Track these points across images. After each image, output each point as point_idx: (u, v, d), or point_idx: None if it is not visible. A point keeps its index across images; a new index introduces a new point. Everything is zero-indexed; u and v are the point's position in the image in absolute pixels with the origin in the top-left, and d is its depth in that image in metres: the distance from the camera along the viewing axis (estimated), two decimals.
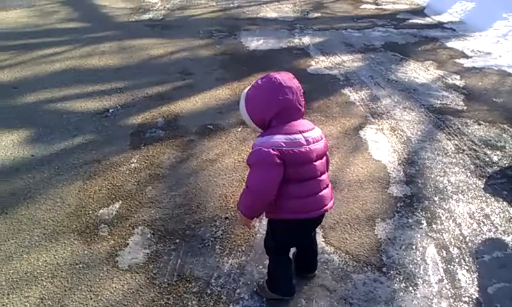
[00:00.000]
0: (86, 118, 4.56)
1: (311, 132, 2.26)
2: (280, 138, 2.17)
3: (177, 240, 2.95)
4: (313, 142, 2.24)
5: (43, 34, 7.44)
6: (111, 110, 4.71)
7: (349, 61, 6.23)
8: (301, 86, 2.29)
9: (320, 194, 2.28)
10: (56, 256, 2.82)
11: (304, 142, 2.20)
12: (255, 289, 2.59)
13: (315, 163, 2.25)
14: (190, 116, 4.63)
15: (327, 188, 2.33)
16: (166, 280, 2.65)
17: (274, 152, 2.13)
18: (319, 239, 2.94)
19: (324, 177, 2.32)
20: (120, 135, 4.23)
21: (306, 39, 7.20)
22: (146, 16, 8.48)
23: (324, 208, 2.30)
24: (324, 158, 2.34)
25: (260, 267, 2.74)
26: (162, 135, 4.22)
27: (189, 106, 4.84)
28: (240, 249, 2.88)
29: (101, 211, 3.22)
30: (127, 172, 3.67)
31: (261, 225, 3.04)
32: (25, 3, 9.28)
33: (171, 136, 4.21)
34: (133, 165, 3.76)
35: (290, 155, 2.15)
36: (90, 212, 3.21)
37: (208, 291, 2.58)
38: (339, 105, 4.87)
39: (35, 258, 2.80)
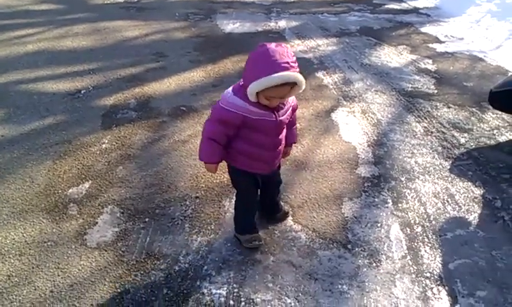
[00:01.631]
0: (57, 98, 4.52)
1: None
2: None
3: (147, 219, 2.97)
4: None
5: (15, 15, 7.31)
6: (82, 92, 4.67)
7: (324, 45, 6.27)
8: None
9: None
10: (24, 234, 2.82)
11: None
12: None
13: None
14: (163, 97, 4.62)
15: None
16: (134, 257, 2.67)
17: None
18: (287, 218, 2.99)
19: None
20: (91, 116, 4.21)
21: (282, 23, 7.21)
22: None
23: None
24: None
25: (229, 244, 2.78)
26: (134, 117, 4.21)
27: (162, 88, 4.83)
28: (209, 228, 2.91)
29: (70, 190, 3.22)
30: (98, 152, 3.66)
31: (231, 204, 3.08)
32: None
33: (143, 117, 4.21)
34: (104, 145, 3.75)
35: None
36: (59, 191, 3.21)
37: (176, 268, 2.61)
38: (312, 88, 4.91)
39: (3, 236, 2.80)
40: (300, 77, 2.28)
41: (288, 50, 2.29)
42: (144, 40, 6.29)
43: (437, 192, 3.29)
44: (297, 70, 2.28)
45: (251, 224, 2.79)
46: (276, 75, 2.20)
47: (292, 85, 2.30)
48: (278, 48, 2.26)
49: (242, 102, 2.35)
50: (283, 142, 2.60)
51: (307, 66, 5.47)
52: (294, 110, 2.63)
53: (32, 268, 2.58)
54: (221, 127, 2.42)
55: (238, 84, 2.40)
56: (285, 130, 2.58)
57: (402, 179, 3.42)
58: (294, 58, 2.29)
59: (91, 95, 4.61)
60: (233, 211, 2.89)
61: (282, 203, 3.03)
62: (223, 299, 2.42)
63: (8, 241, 2.76)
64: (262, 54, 2.25)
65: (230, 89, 2.43)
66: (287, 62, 2.22)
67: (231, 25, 7.01)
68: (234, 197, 2.87)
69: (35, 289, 2.46)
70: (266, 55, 2.23)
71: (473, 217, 3.07)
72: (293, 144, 2.84)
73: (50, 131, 3.94)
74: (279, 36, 6.55)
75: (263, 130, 2.43)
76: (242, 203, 2.78)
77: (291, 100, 2.56)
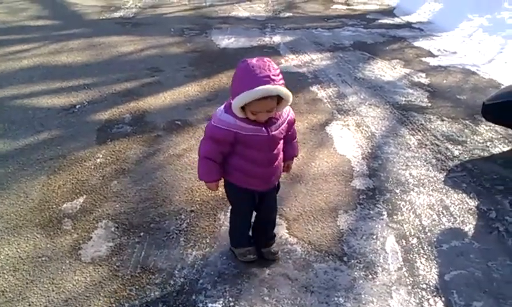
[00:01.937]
0: (52, 113, 4.52)
1: None
2: None
3: (141, 233, 2.96)
4: None
5: (11, 31, 7.35)
6: (77, 106, 4.68)
7: (318, 60, 6.32)
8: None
9: None
10: (18, 250, 2.80)
11: None
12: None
13: None
14: (158, 112, 4.63)
15: None
16: (129, 272, 2.65)
17: None
18: (283, 231, 2.99)
19: None
20: (86, 130, 4.21)
21: (277, 38, 7.27)
22: (117, 14, 8.44)
23: None
24: None
25: (224, 257, 2.77)
26: (129, 131, 4.22)
27: (157, 102, 4.84)
28: (204, 241, 2.91)
29: (65, 205, 3.20)
30: (92, 167, 3.66)
31: (226, 217, 3.08)
32: None
33: (138, 132, 4.21)
34: (99, 160, 3.75)
35: None
36: (54, 206, 3.19)
37: (172, 282, 2.59)
38: (307, 102, 4.93)
39: None
40: (283, 90, 2.28)
41: (271, 64, 2.29)
42: (139, 55, 6.32)
43: (432, 204, 3.30)
44: (281, 82, 2.28)
45: (245, 238, 2.78)
46: (256, 89, 2.20)
47: (277, 98, 2.30)
48: (259, 62, 2.27)
49: (233, 119, 2.35)
50: (280, 157, 2.58)
51: (301, 80, 5.50)
52: (290, 124, 2.59)
53: (27, 283, 2.56)
54: (215, 145, 2.42)
55: (228, 101, 2.41)
56: (280, 145, 2.56)
57: (397, 191, 3.43)
58: (277, 71, 2.29)
59: (86, 110, 4.62)
60: (228, 224, 2.88)
61: (275, 232, 2.88)
62: None
63: (1, 256, 2.74)
64: (244, 69, 2.27)
65: (222, 106, 2.44)
66: (268, 76, 2.23)
67: (226, 41, 7.06)
68: (229, 212, 2.86)
69: (29, 305, 2.43)
70: (247, 70, 2.25)
71: (468, 229, 3.07)
72: (294, 158, 2.79)
73: (45, 146, 3.94)
74: (273, 51, 6.59)
75: (255, 145, 2.42)
76: (236, 217, 2.77)
77: (286, 113, 2.53)
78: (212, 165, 2.46)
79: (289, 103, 2.38)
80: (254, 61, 2.28)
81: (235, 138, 2.39)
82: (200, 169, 2.51)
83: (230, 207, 2.81)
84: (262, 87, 2.21)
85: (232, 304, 2.46)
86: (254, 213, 2.77)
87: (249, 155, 2.45)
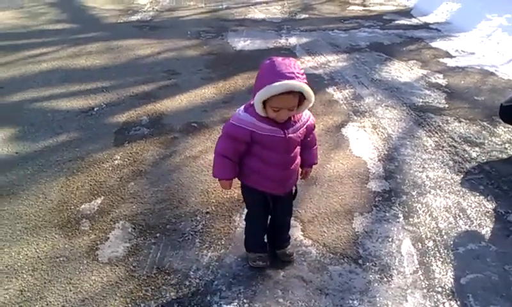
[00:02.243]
0: (71, 116, 4.59)
1: None
2: None
3: (157, 234, 2.99)
4: None
5: (30, 35, 7.46)
6: (95, 109, 4.74)
7: (334, 61, 6.30)
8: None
9: None
10: (37, 250, 2.85)
11: None
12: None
13: None
14: (175, 114, 4.67)
15: None
16: (145, 272, 2.68)
17: None
18: (297, 232, 2.99)
19: None
20: (104, 133, 4.26)
21: (292, 40, 7.27)
22: (135, 18, 8.52)
23: None
24: None
25: (239, 259, 2.79)
26: (146, 133, 4.26)
27: (174, 105, 4.88)
28: (219, 243, 2.92)
29: (83, 206, 3.25)
30: (110, 168, 3.70)
31: (241, 219, 3.09)
32: (13, 4, 9.30)
33: (155, 134, 4.25)
34: (116, 162, 3.80)
35: None
36: (72, 207, 3.24)
37: (187, 283, 2.62)
38: (323, 103, 4.93)
39: (16, 251, 2.83)
40: (306, 87, 2.28)
41: (296, 63, 2.31)
42: (156, 58, 6.37)
43: (448, 207, 3.27)
44: (304, 81, 2.29)
45: (257, 243, 2.78)
46: (279, 82, 2.21)
47: (299, 96, 2.31)
48: (284, 60, 2.29)
49: (251, 118, 2.38)
50: (297, 161, 2.57)
51: (317, 82, 5.50)
52: (309, 129, 2.57)
53: (45, 283, 2.61)
54: (232, 143, 2.44)
55: (249, 102, 2.43)
56: (298, 149, 2.54)
57: (414, 193, 3.41)
58: (302, 71, 2.31)
59: (104, 112, 4.68)
60: (243, 226, 2.90)
61: (290, 234, 2.89)
62: None
63: (20, 257, 2.79)
64: (269, 65, 2.29)
65: (242, 107, 2.47)
66: (292, 72, 2.25)
67: (242, 43, 7.08)
68: (245, 215, 2.87)
69: (47, 304, 2.48)
70: (272, 66, 2.27)
71: (485, 232, 3.04)
72: (313, 166, 2.75)
73: (64, 148, 4.00)
74: (289, 52, 6.59)
75: (271, 146, 2.43)
76: (251, 222, 2.78)
77: (305, 117, 2.52)
78: (227, 162, 2.48)
79: (311, 104, 2.37)
80: (280, 59, 2.31)
81: (251, 137, 2.40)
82: (214, 166, 2.54)
83: (246, 210, 2.82)
84: (286, 81, 2.22)
85: (246, 305, 2.48)
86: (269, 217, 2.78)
87: (266, 156, 2.46)
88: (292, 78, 2.24)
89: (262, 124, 2.38)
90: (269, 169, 2.49)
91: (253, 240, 2.78)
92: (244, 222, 2.84)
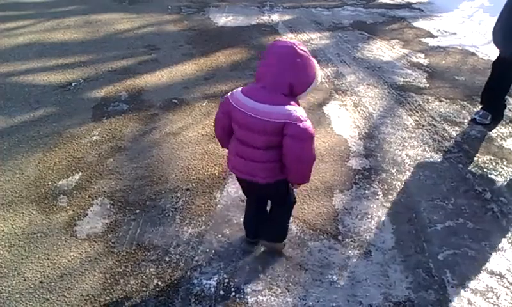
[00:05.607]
0: (48, 91, 4.49)
1: None
2: None
3: (137, 211, 2.96)
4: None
5: (6, 7, 7.26)
6: (73, 84, 4.65)
7: (316, 39, 6.27)
8: None
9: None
10: (14, 226, 2.80)
11: None
12: None
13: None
14: (155, 90, 4.60)
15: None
16: (124, 249, 2.66)
17: None
18: None
19: None
20: (82, 108, 4.19)
21: (275, 17, 7.20)
22: None
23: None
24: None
25: (219, 235, 2.78)
26: (125, 109, 4.20)
27: (154, 80, 4.81)
28: (200, 219, 2.91)
29: (60, 182, 3.20)
30: (88, 144, 3.64)
31: (222, 196, 3.08)
32: None
33: (134, 110, 4.19)
34: (94, 137, 3.74)
35: None
36: (49, 183, 3.19)
37: (167, 259, 2.60)
38: None
39: None
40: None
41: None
42: (136, 33, 6.26)
43: (427, 185, 3.30)
44: None
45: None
46: (319, 74, 2.36)
47: None
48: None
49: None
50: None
51: None
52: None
53: (22, 259, 2.57)
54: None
55: (285, 97, 2.24)
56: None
57: (393, 171, 3.44)
58: None
59: (82, 88, 4.59)
60: (223, 203, 2.89)
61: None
62: (213, 289, 2.42)
63: None
64: (308, 54, 2.26)
65: (295, 105, 2.25)
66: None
67: (224, 19, 6.99)
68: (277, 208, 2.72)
69: (24, 280, 2.44)
70: (309, 55, 2.27)
71: (462, 209, 3.08)
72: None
73: (41, 123, 3.92)
74: (272, 29, 6.53)
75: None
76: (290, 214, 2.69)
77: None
78: None
79: None
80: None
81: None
82: (310, 173, 2.33)
83: (282, 206, 2.60)
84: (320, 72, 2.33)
85: (226, 281, 2.48)
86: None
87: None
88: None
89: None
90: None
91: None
92: (281, 218, 2.65)
